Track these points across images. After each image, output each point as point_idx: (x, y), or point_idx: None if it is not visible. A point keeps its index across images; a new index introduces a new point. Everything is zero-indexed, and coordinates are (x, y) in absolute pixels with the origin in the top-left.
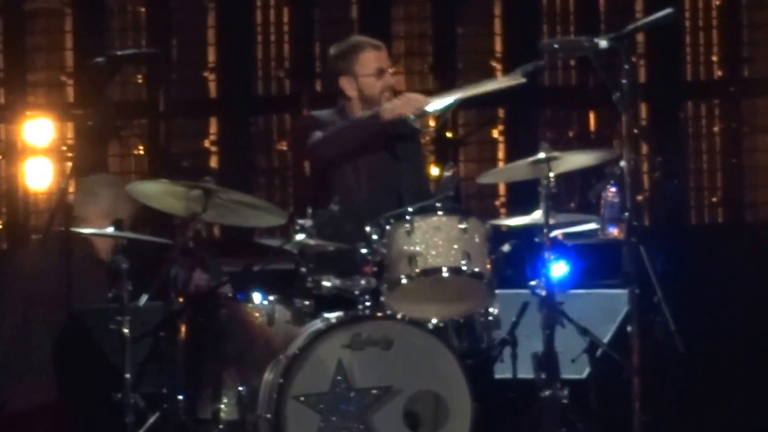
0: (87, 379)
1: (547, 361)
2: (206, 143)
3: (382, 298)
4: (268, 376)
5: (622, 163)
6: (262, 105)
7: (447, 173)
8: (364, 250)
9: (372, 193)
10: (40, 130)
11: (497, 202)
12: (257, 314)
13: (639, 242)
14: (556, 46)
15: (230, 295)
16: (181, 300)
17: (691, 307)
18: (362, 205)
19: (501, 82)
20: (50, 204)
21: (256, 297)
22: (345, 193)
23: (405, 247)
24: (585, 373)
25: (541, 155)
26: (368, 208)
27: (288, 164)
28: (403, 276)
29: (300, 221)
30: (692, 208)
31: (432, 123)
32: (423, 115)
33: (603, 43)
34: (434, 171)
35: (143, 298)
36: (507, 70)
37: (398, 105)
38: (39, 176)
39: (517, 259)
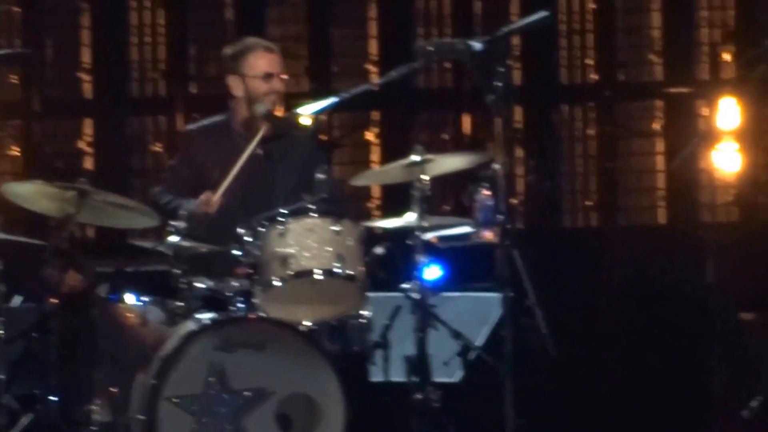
0: None
1: (419, 364)
2: (81, 144)
3: (255, 300)
4: (140, 377)
5: (496, 166)
6: (136, 106)
7: (321, 175)
8: (236, 252)
9: (245, 196)
10: None
11: (371, 205)
12: (130, 315)
13: (512, 245)
14: (431, 48)
15: (103, 296)
16: (54, 301)
17: (563, 311)
18: (235, 207)
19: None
20: None
21: (130, 298)
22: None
23: (278, 249)
24: (457, 376)
25: (415, 158)
26: (241, 210)
27: (163, 166)
28: (275, 278)
29: (173, 223)
30: (566, 211)
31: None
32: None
33: (477, 46)
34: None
35: (16, 300)
36: (382, 73)
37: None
38: None
39: (390, 261)
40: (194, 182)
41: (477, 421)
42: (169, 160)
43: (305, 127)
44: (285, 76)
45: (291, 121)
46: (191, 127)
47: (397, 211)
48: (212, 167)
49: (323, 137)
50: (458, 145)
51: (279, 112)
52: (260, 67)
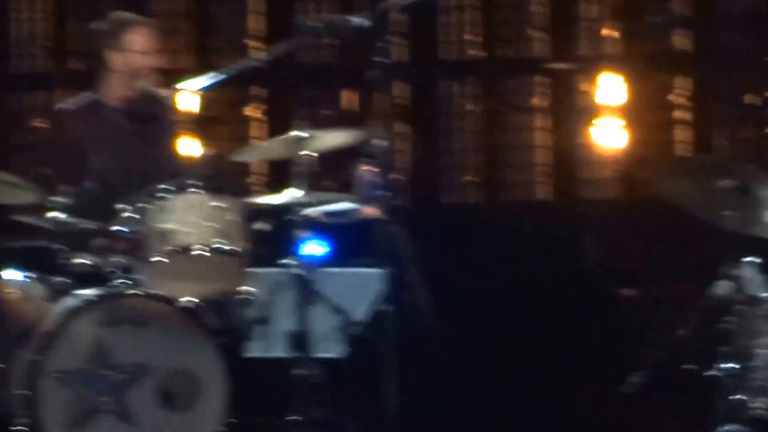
0: None
1: (300, 339)
2: None
3: (137, 276)
4: (22, 353)
5: (378, 142)
6: (16, 82)
7: (204, 152)
8: (118, 228)
9: (124, 172)
10: None
11: (253, 181)
12: (11, 291)
13: (394, 221)
14: (313, 24)
15: None
16: None
17: (445, 286)
18: (116, 183)
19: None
20: None
21: (10, 273)
22: (98, 171)
23: (158, 225)
24: (339, 352)
25: (297, 134)
26: (122, 186)
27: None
28: (156, 253)
29: (54, 199)
30: (448, 187)
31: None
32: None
33: (360, 22)
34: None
35: None
36: (265, 49)
37: None
38: None
39: (272, 237)
40: (76, 160)
41: (358, 396)
42: (47, 140)
43: (183, 103)
44: (163, 52)
45: (170, 97)
46: (64, 106)
47: (279, 188)
48: (90, 145)
49: (202, 113)
50: (340, 121)
51: (158, 88)
52: (139, 41)
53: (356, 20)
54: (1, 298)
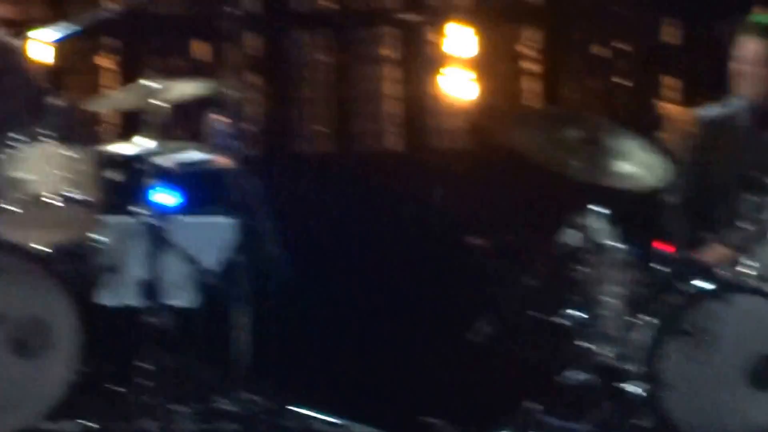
0: None
1: (151, 288)
2: None
3: None
4: None
5: (230, 92)
6: None
7: (57, 102)
8: None
9: None
10: None
11: (104, 130)
12: None
13: (247, 171)
14: None
15: None
16: None
17: (297, 236)
18: None
19: None
20: None
21: None
22: None
23: (11, 174)
24: (189, 300)
25: (148, 84)
26: None
27: None
28: (8, 202)
29: None
30: (300, 137)
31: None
32: None
33: None
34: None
35: None
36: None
37: None
38: None
39: (123, 186)
40: None
41: (209, 345)
42: None
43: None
44: (14, 2)
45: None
46: None
47: (131, 137)
48: None
49: (54, 64)
50: (192, 71)
51: (9, 39)
52: None
53: None
54: None
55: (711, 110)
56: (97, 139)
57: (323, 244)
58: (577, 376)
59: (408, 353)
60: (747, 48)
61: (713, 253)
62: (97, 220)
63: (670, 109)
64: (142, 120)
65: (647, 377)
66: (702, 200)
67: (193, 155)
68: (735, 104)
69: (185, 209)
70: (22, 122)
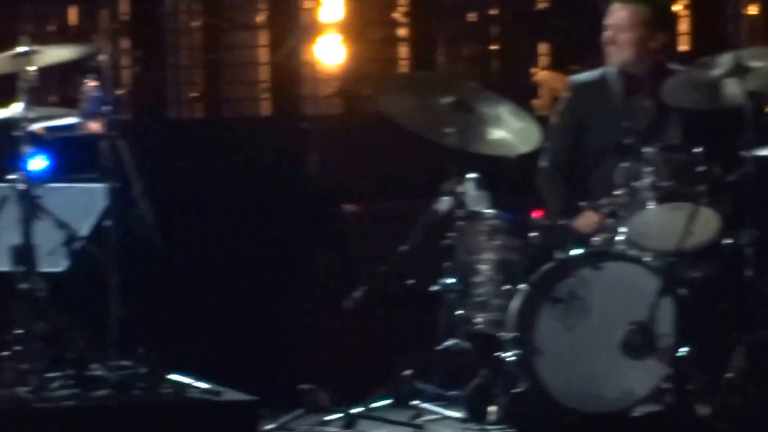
0: None
1: (24, 254)
2: None
3: None
4: None
5: (102, 58)
6: None
7: None
8: None
9: None
10: None
11: None
12: None
13: (118, 136)
14: None
15: None
16: None
17: (169, 202)
18: None
19: None
20: None
21: None
22: None
23: None
24: (63, 266)
25: (20, 49)
26: None
27: None
28: None
29: None
30: (173, 102)
31: None
32: None
33: None
34: None
35: None
36: None
37: None
38: None
39: None
40: None
41: (82, 310)
42: None
43: None
44: None
45: None
46: None
47: (4, 102)
48: None
49: None
50: (64, 36)
51: None
52: None
53: None
54: None
55: (583, 76)
56: None
57: (195, 210)
58: (451, 343)
59: (284, 321)
60: (617, 14)
61: (586, 220)
62: None
63: (542, 75)
64: (16, 85)
65: (521, 344)
66: (575, 167)
67: (66, 121)
68: (607, 70)
69: (58, 175)
70: None
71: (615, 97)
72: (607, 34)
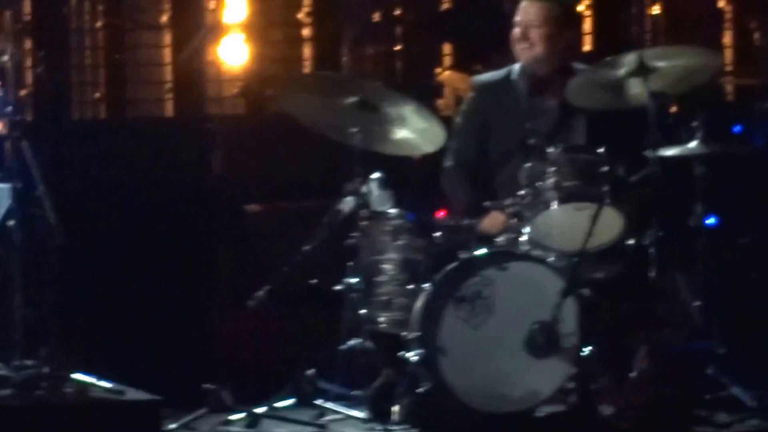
0: None
1: None
2: None
3: None
4: None
5: (5, 58)
6: None
7: None
8: None
9: None
10: None
11: None
12: None
13: (21, 137)
14: None
15: None
16: None
17: (73, 202)
18: None
19: None
20: None
21: None
22: None
23: None
24: None
25: None
26: None
27: None
28: None
29: None
30: (76, 103)
31: None
32: None
33: None
34: None
35: None
36: None
37: None
38: None
39: None
40: None
41: None
42: None
43: None
44: None
45: None
46: None
47: None
48: None
49: None
50: None
51: None
52: None
53: None
54: None
55: (486, 76)
56: None
57: (100, 210)
58: (355, 342)
59: (188, 320)
60: (527, 11)
61: (492, 220)
62: None
63: (446, 75)
64: None
65: (425, 344)
66: (479, 167)
67: None
68: (511, 70)
69: None
70: None
71: (519, 97)
72: (516, 31)
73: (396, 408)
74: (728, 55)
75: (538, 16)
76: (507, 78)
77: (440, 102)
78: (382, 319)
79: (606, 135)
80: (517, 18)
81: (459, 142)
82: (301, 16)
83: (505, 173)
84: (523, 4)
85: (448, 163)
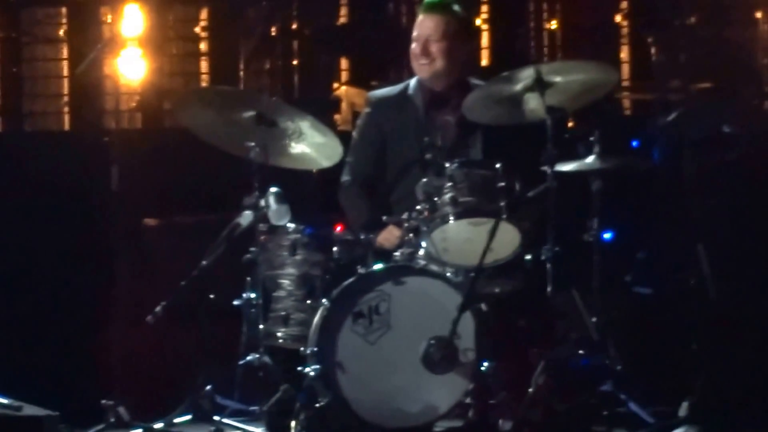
0: None
1: None
2: None
3: None
4: None
5: None
6: None
7: None
8: None
9: None
10: None
11: None
12: None
13: None
14: None
15: None
16: None
17: None
18: None
19: None
20: None
21: None
22: None
23: None
24: None
25: None
26: None
27: None
28: None
29: None
30: None
31: None
32: None
33: None
34: None
35: None
36: None
37: None
38: None
39: None
40: None
41: None
42: None
43: None
44: None
45: None
46: None
47: None
48: None
49: None
50: None
51: None
52: None
53: None
54: None
55: (382, 91)
56: None
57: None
58: (253, 358)
59: (86, 335)
60: (426, 25)
61: (388, 234)
62: None
63: (344, 89)
64: None
65: (322, 359)
66: (377, 181)
67: None
68: (408, 84)
69: None
70: None
71: (416, 111)
72: (415, 46)
73: (294, 423)
74: (625, 70)
75: (438, 30)
76: (404, 93)
77: (337, 117)
78: (280, 334)
79: (503, 150)
80: (415, 33)
81: (356, 157)
82: (197, 30)
83: (402, 188)
84: (420, 18)
85: (345, 178)
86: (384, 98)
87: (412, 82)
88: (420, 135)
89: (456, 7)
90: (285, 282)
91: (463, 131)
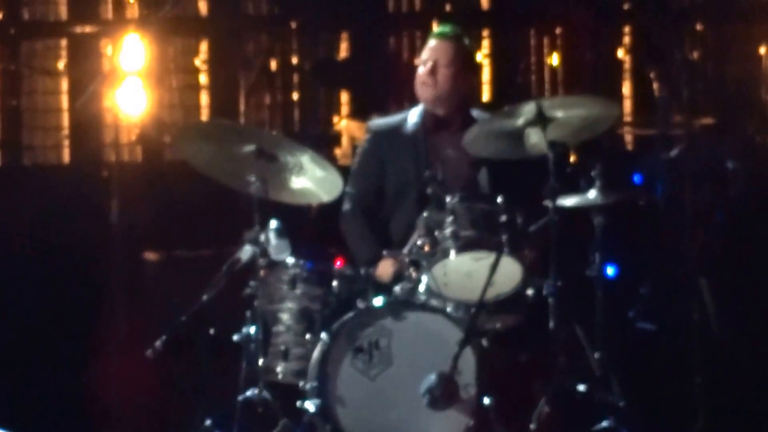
0: None
1: None
2: None
3: None
4: None
5: None
6: None
7: None
8: None
9: None
10: None
11: None
12: None
13: None
14: None
15: None
16: None
17: None
18: None
19: None
20: None
21: None
22: None
23: None
24: None
25: None
26: None
27: None
28: None
29: None
30: None
31: None
32: None
33: None
34: None
35: None
36: None
37: None
38: None
39: None
40: None
41: None
42: None
43: None
44: None
45: None
46: None
47: None
48: None
49: None
50: None
51: None
52: None
53: None
54: None
55: (382, 120)
56: None
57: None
58: (252, 392)
59: (86, 369)
60: (436, 49)
61: (382, 267)
62: None
63: (345, 123)
64: None
65: (322, 394)
66: (377, 210)
67: None
68: (408, 114)
69: None
70: None
71: (416, 140)
72: (422, 69)
73: None
74: (627, 105)
75: (447, 55)
76: (404, 121)
77: (338, 151)
78: (279, 369)
79: (505, 184)
80: (425, 56)
81: (356, 186)
82: (197, 63)
83: (402, 215)
84: (432, 43)
85: (346, 207)
86: (382, 127)
87: (413, 110)
88: (419, 162)
89: (466, 40)
90: (284, 316)
91: (465, 165)
